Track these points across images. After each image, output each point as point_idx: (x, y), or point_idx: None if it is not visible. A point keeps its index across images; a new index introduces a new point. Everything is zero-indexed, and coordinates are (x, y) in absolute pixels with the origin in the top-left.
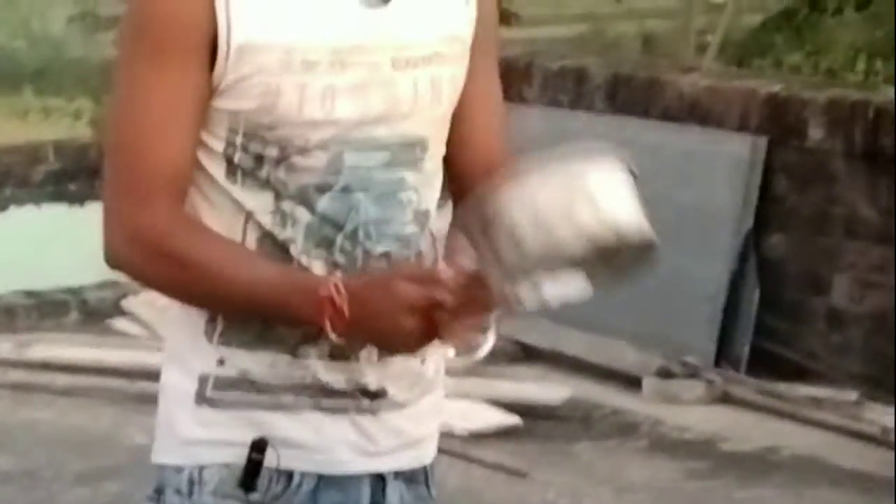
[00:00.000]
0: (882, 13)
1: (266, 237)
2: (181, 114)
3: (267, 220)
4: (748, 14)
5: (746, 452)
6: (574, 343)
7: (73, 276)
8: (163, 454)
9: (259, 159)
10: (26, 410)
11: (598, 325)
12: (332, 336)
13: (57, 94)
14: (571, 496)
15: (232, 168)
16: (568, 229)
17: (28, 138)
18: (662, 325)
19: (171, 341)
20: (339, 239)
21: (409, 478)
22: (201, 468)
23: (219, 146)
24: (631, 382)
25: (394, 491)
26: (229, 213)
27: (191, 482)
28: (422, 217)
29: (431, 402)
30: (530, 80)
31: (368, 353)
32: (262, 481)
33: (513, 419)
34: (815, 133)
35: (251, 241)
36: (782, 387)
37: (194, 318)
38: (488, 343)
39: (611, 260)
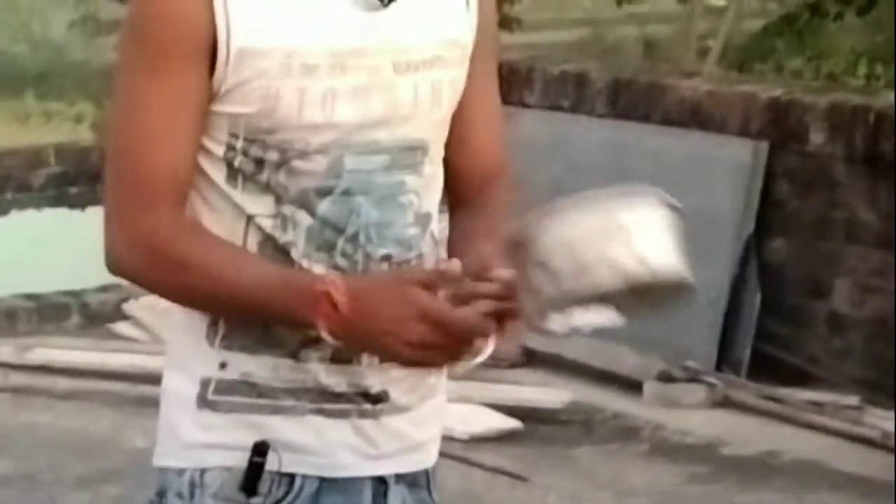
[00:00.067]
0: (883, 18)
1: (267, 241)
2: (181, 119)
3: (268, 224)
4: (749, 19)
5: (747, 456)
6: (575, 347)
7: (74, 280)
8: (164, 457)
9: (259, 163)
10: (27, 414)
11: (599, 330)
12: (326, 335)
13: (58, 98)
14: (572, 500)
15: (232, 172)
16: (603, 268)
17: (29, 142)
18: (663, 329)
19: (173, 345)
20: (341, 242)
21: (411, 481)
22: (203, 471)
23: (219, 150)
24: (632, 386)
25: (395, 494)
26: (230, 217)
27: (192, 485)
28: (423, 220)
29: (433, 406)
30: (531, 85)
31: (370, 356)
32: (264, 485)
33: (513, 423)
34: (817, 138)
35: (252, 244)
36: (783, 391)
37: (196, 322)
38: (489, 348)
39: (644, 296)
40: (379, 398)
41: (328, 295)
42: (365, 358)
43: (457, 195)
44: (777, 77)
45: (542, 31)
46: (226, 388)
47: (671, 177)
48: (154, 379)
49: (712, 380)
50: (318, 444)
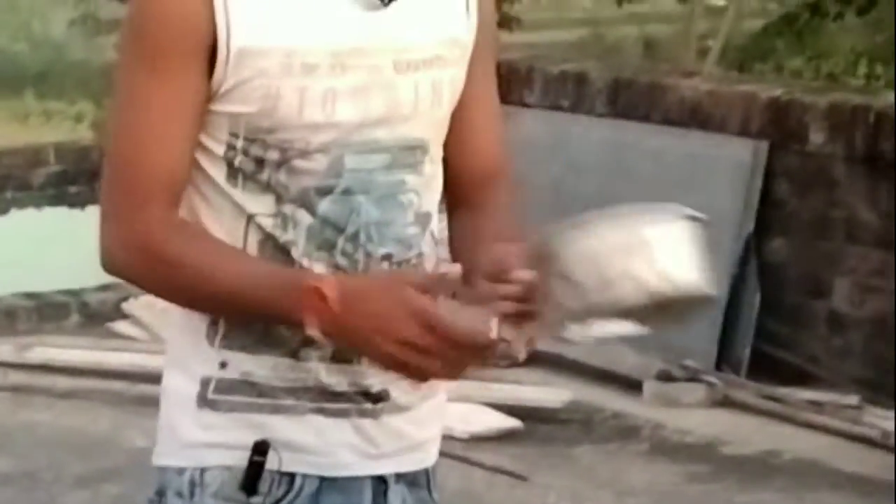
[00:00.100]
0: (883, 18)
1: (267, 240)
2: (179, 119)
3: (268, 223)
4: (749, 19)
5: (747, 456)
6: (575, 347)
7: (74, 279)
8: (164, 456)
9: (260, 162)
10: (26, 412)
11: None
12: (316, 332)
13: (58, 98)
14: (572, 499)
15: (233, 171)
16: (626, 283)
17: (29, 141)
18: (663, 328)
19: (173, 344)
20: (341, 241)
21: (411, 481)
22: (203, 470)
23: (219, 150)
24: (632, 386)
25: (395, 494)
26: (230, 217)
27: (192, 484)
28: (423, 219)
29: (433, 406)
30: (531, 85)
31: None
32: (264, 484)
33: (513, 422)
34: (816, 137)
35: (252, 243)
36: (783, 390)
37: (196, 322)
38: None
39: (666, 309)
40: (379, 397)
41: (319, 290)
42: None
43: (456, 195)
44: (777, 77)
45: (542, 30)
46: (226, 387)
47: (671, 176)
48: (153, 378)
49: (712, 379)
50: (319, 444)
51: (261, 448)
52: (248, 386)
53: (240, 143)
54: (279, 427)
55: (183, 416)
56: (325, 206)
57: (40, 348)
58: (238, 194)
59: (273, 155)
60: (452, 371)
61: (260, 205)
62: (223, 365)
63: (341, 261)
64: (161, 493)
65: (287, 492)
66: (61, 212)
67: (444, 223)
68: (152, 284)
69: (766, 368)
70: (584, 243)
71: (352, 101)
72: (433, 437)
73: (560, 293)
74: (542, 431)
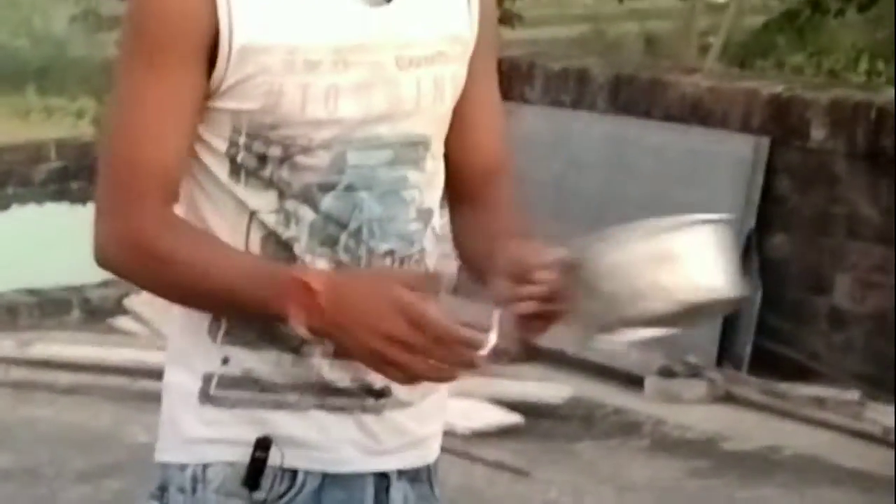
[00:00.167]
0: (884, 15)
1: (270, 236)
2: (176, 115)
3: (271, 220)
4: (750, 15)
5: (748, 452)
6: (576, 342)
7: (75, 275)
8: (166, 452)
9: (262, 159)
10: (28, 408)
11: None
12: (301, 327)
13: (59, 94)
14: (573, 495)
15: (235, 167)
16: (656, 294)
17: (30, 137)
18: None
19: (175, 340)
20: (344, 237)
21: (413, 477)
22: (205, 466)
23: (222, 146)
24: (633, 381)
25: (398, 490)
26: (233, 213)
27: (194, 480)
28: (425, 215)
29: (435, 401)
30: (532, 81)
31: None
32: (267, 480)
33: (514, 418)
34: (818, 133)
35: (255, 240)
36: (784, 386)
37: (198, 318)
38: (490, 343)
39: (694, 313)
40: (381, 393)
41: (306, 284)
42: None
43: (458, 191)
44: (778, 73)
45: (543, 27)
46: (228, 383)
47: (672, 173)
48: (155, 373)
49: (713, 375)
50: (321, 440)
51: (263, 444)
52: (250, 382)
53: (242, 140)
54: (282, 423)
55: (185, 413)
56: (327, 202)
57: (42, 344)
58: (240, 190)
59: (275, 151)
60: (441, 370)
61: (262, 201)
62: (225, 361)
63: (344, 257)
64: (163, 489)
65: (289, 488)
66: (62, 208)
67: (445, 219)
68: (144, 280)
69: (768, 364)
70: (612, 256)
71: (354, 98)
72: (435, 433)
73: (590, 305)
74: (544, 427)
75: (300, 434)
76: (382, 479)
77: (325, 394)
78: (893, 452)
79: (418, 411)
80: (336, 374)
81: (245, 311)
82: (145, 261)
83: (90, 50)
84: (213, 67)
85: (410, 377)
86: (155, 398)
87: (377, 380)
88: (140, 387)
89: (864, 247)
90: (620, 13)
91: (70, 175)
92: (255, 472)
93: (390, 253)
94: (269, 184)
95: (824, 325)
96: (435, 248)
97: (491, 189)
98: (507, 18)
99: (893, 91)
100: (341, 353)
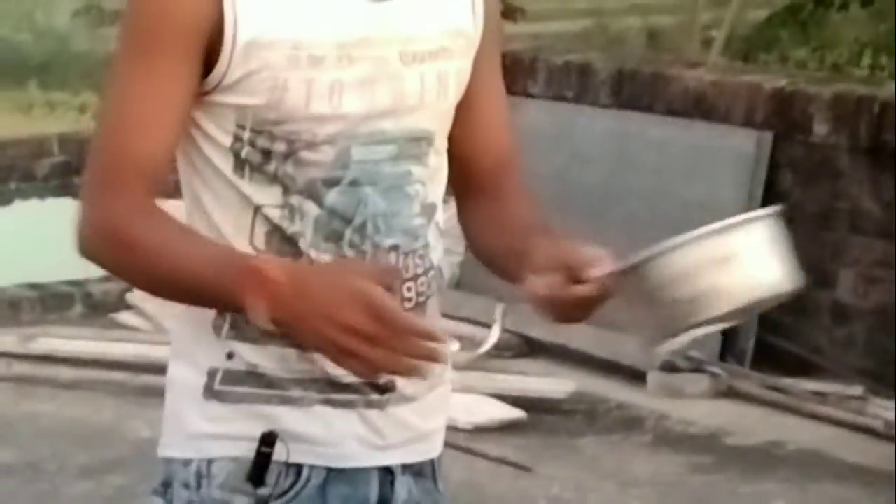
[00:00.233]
0: (887, 9)
1: (275, 231)
2: (166, 108)
3: (275, 215)
4: (753, 9)
5: (751, 447)
6: (579, 337)
7: (78, 270)
8: (170, 448)
9: (267, 154)
10: (30, 403)
11: (603, 319)
12: (260, 316)
13: (62, 88)
14: (576, 490)
15: (239, 163)
16: (718, 296)
17: (32, 132)
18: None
19: (179, 335)
20: (348, 232)
21: (417, 471)
22: (210, 462)
23: (226, 141)
24: (635, 376)
25: (402, 485)
26: (237, 208)
27: (199, 476)
28: (428, 209)
29: (439, 396)
30: (535, 75)
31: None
32: (271, 475)
33: (517, 413)
34: (821, 128)
35: (259, 235)
36: (787, 381)
37: (203, 313)
38: (493, 337)
39: (753, 308)
40: (386, 388)
41: (266, 274)
42: None
43: (468, 185)
44: (781, 67)
45: (546, 21)
46: (233, 378)
47: (675, 167)
48: (157, 368)
49: (716, 370)
50: (326, 435)
51: (268, 439)
52: (255, 377)
53: (247, 135)
54: (286, 418)
55: (189, 408)
56: (332, 197)
57: (44, 339)
58: (245, 185)
59: (280, 146)
60: (400, 362)
61: (267, 196)
62: (230, 356)
63: (348, 252)
64: (167, 485)
65: (294, 483)
66: (65, 202)
67: (448, 214)
68: (115, 267)
69: (770, 359)
70: (668, 265)
71: (358, 93)
72: (439, 428)
73: (654, 313)
74: (546, 422)
75: (304, 429)
76: (387, 473)
77: (329, 389)
78: (894, 447)
79: (422, 406)
80: (340, 369)
81: (206, 300)
82: (113, 247)
83: (93, 45)
84: (211, 62)
85: (370, 369)
86: (158, 393)
87: (383, 375)
88: (142, 382)
89: (867, 241)
90: (623, 7)
91: (72, 170)
92: (260, 467)
93: (395, 248)
94: (274, 179)
95: (827, 320)
96: (438, 243)
97: (501, 181)
98: (510, 13)
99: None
100: (303, 344)
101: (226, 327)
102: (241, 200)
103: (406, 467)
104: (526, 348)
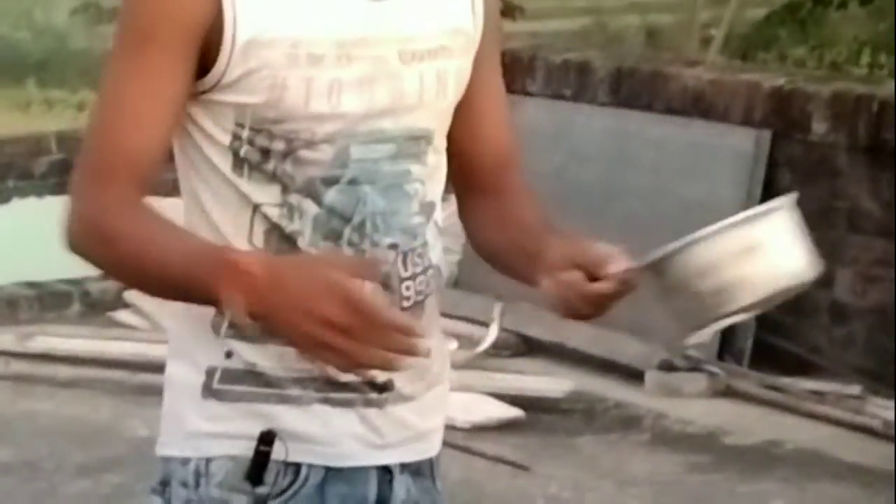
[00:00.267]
0: (886, 7)
1: (273, 230)
2: (160, 105)
3: (274, 213)
4: (752, 7)
5: (749, 446)
6: (576, 336)
7: (76, 268)
8: (169, 446)
9: (266, 153)
10: (28, 402)
11: (601, 318)
12: (236, 309)
13: (60, 86)
14: (574, 489)
15: (238, 161)
16: (743, 287)
17: (31, 130)
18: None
19: (177, 334)
20: (347, 231)
21: (416, 470)
22: (208, 460)
23: (225, 139)
24: (633, 375)
25: (400, 484)
26: (236, 206)
27: (197, 474)
28: (427, 208)
29: (437, 395)
30: (534, 74)
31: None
32: (270, 474)
33: (515, 412)
34: (819, 127)
35: (258, 233)
36: (785, 380)
37: (201, 311)
38: (491, 336)
39: (777, 297)
40: (384, 387)
41: (242, 266)
42: None
43: (469, 183)
44: (780, 66)
45: (545, 19)
46: (231, 377)
47: (673, 166)
48: (155, 367)
49: (714, 369)
50: (324, 434)
51: (267, 438)
52: (253, 376)
53: (245, 134)
54: (285, 417)
55: (188, 406)
56: (331, 195)
57: (42, 337)
58: (244, 184)
59: (279, 145)
60: (377, 356)
61: (266, 194)
62: (229, 355)
63: (347, 251)
64: (165, 483)
65: (293, 482)
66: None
67: (447, 212)
68: (99, 261)
69: (768, 358)
70: (693, 257)
71: (357, 92)
72: (437, 427)
73: (679, 307)
74: (544, 421)
75: (303, 428)
76: (385, 472)
77: (327, 388)
78: (894, 447)
79: (420, 405)
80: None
81: (183, 294)
82: (94, 239)
83: (91, 42)
84: (210, 60)
85: (346, 362)
86: (156, 392)
87: (379, 374)
88: (140, 380)
89: (866, 240)
90: (622, 6)
91: (71, 168)
92: (258, 466)
93: (394, 246)
94: (273, 177)
95: (825, 320)
96: (437, 242)
97: (502, 180)
98: (508, 11)
99: (895, 84)
100: (281, 338)
101: (224, 326)
102: (239, 199)
103: (404, 466)
104: (524, 347)
